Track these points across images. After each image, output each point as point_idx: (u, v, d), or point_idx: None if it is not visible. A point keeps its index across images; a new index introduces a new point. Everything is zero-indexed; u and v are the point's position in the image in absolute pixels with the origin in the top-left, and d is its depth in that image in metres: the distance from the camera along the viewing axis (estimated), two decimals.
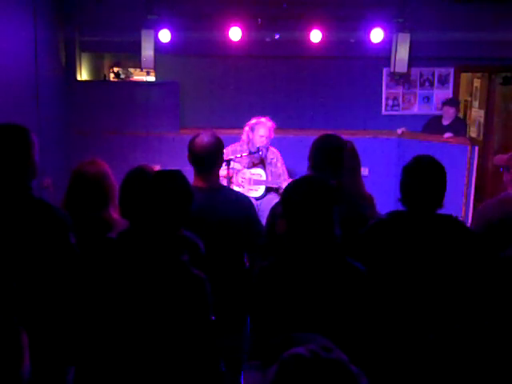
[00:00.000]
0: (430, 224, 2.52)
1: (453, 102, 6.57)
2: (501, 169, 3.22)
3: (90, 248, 2.43)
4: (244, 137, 5.08)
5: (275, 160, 5.17)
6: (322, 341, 1.27)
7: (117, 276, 2.08)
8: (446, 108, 6.52)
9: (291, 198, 2.18)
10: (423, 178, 2.52)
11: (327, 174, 2.86)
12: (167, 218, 2.13)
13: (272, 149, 5.17)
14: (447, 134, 6.16)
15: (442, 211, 2.58)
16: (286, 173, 5.19)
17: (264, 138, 4.99)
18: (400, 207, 2.64)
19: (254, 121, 5.05)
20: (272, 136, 5.08)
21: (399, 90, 6.91)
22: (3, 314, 1.52)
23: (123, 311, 2.05)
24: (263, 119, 5.04)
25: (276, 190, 5.07)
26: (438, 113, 6.82)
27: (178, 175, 2.20)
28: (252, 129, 5.02)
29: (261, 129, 4.99)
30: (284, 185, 4.95)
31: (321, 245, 2.13)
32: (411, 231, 2.52)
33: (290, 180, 5.06)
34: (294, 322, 2.08)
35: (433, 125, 6.58)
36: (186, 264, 2.11)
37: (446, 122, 6.51)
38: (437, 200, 2.53)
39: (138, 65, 6.71)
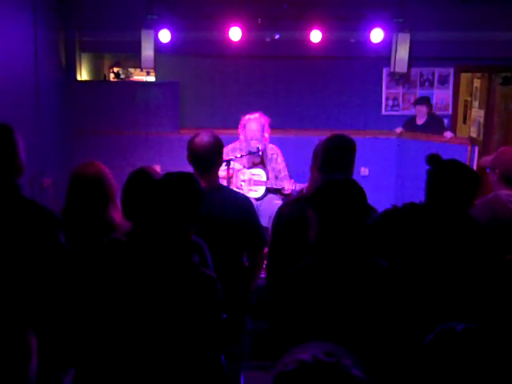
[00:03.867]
0: (451, 221, 2.50)
1: (422, 100, 6.58)
2: (487, 170, 3.23)
3: (95, 249, 2.42)
4: (241, 136, 5.09)
5: (275, 156, 5.17)
6: (327, 346, 1.26)
7: (127, 277, 2.07)
8: (417, 107, 6.57)
9: (327, 201, 2.19)
10: (454, 181, 2.50)
11: (336, 173, 2.86)
12: (181, 222, 2.11)
13: (271, 145, 5.17)
14: (448, 134, 6.17)
15: None
16: (286, 169, 5.19)
17: (252, 132, 4.95)
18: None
19: (246, 117, 5.06)
20: (268, 130, 5.05)
21: (399, 90, 6.91)
22: (12, 316, 1.52)
23: (134, 313, 2.03)
24: (256, 115, 5.03)
25: (279, 191, 5.07)
26: (438, 113, 6.84)
27: (189, 178, 2.19)
28: (244, 126, 5.03)
29: (252, 123, 4.99)
30: (286, 185, 4.95)
31: (354, 245, 2.17)
32: (431, 226, 2.50)
33: (291, 180, 5.08)
34: (326, 323, 2.09)
35: (408, 126, 6.62)
36: (197, 265, 2.12)
37: (419, 122, 6.55)
38: (465, 202, 2.52)
39: (138, 65, 6.71)
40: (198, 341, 2.05)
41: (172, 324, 2.02)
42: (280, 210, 3.06)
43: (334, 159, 2.92)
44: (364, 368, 1.23)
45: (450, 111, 6.95)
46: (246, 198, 3.20)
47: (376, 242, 2.50)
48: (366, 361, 1.28)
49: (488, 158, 3.31)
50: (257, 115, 5.03)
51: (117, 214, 2.86)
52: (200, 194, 2.15)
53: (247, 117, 5.06)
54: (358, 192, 2.21)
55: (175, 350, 2.03)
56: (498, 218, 2.98)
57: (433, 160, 2.58)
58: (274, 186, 5.07)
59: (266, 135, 5.07)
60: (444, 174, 2.53)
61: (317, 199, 2.23)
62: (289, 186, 4.91)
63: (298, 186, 4.80)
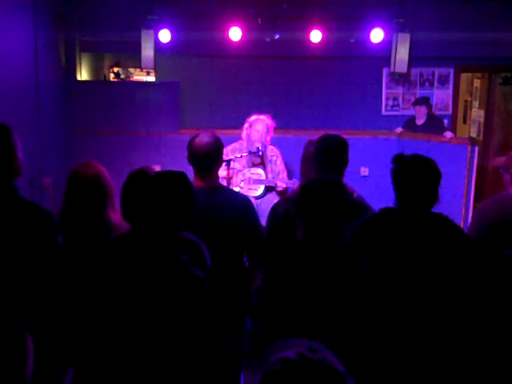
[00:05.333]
0: (420, 221, 2.52)
1: (421, 100, 6.58)
2: (500, 170, 3.23)
3: (90, 249, 2.42)
4: (244, 134, 5.11)
5: (275, 158, 5.18)
6: (310, 343, 1.27)
7: (116, 276, 2.09)
8: (416, 108, 6.56)
9: (310, 201, 2.18)
10: (413, 175, 2.51)
11: (330, 173, 2.87)
12: (167, 220, 2.13)
13: (271, 147, 5.19)
14: (448, 134, 6.17)
15: (441, 211, 2.58)
16: (285, 171, 5.21)
17: (258, 133, 5.00)
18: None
19: (253, 117, 5.10)
20: (271, 134, 5.10)
21: (399, 90, 6.91)
22: (8, 317, 1.52)
23: (123, 311, 2.06)
24: (263, 116, 5.08)
25: (273, 189, 5.07)
26: (438, 113, 6.84)
27: (179, 177, 2.19)
28: (250, 125, 5.07)
29: (258, 124, 5.02)
30: (278, 182, 4.96)
31: (336, 245, 2.16)
32: (401, 228, 2.52)
33: (289, 180, 5.08)
34: (309, 322, 2.09)
35: (408, 126, 6.62)
36: (186, 264, 2.12)
37: (419, 122, 6.56)
38: (429, 196, 2.52)
39: (138, 65, 6.71)
40: (190, 339, 2.07)
41: (163, 323, 2.04)
42: (274, 208, 3.06)
43: (327, 159, 2.93)
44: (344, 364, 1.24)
45: (450, 111, 6.96)
46: (246, 198, 3.20)
47: (356, 249, 2.50)
48: (346, 357, 1.29)
49: (502, 159, 3.31)
50: (264, 117, 5.06)
51: (115, 215, 2.85)
52: (186, 193, 2.17)
53: (255, 117, 5.09)
54: (339, 194, 2.19)
55: (169, 347, 2.04)
56: (508, 217, 2.98)
57: (397, 159, 2.59)
58: (273, 185, 5.07)
59: (268, 138, 5.10)
60: (407, 171, 2.54)
61: (298, 201, 2.23)
62: (281, 184, 4.93)
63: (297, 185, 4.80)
